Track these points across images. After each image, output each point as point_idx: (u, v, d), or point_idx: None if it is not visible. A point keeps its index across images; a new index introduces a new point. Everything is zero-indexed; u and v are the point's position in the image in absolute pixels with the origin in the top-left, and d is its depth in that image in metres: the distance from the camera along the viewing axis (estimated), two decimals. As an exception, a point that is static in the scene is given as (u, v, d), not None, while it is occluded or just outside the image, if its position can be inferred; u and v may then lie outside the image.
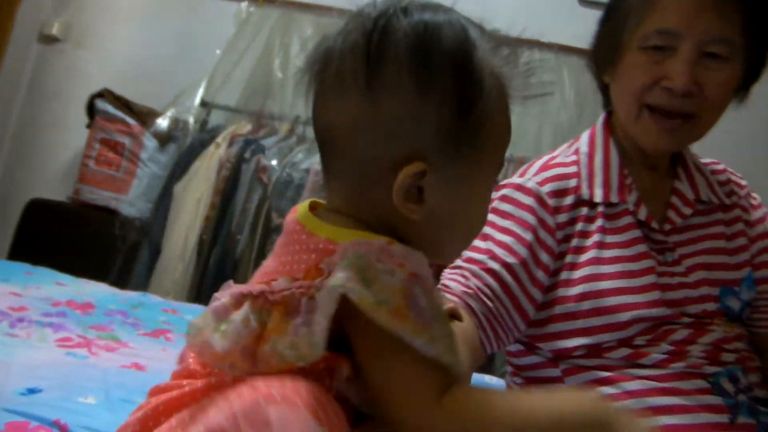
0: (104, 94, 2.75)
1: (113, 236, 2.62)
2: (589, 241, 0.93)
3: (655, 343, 0.87)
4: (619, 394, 0.84)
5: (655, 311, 0.87)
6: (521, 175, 0.99)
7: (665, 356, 0.86)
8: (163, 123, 2.75)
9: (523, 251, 0.90)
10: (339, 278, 0.49)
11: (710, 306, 0.91)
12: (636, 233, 0.93)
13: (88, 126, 2.79)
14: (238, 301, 0.52)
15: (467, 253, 0.90)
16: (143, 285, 2.49)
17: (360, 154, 0.55)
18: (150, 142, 2.74)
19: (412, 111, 0.54)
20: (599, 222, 0.94)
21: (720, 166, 1.07)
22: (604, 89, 1.01)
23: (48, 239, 2.64)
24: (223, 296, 0.53)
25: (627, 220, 0.94)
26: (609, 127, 1.02)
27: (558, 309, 0.91)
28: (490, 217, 0.92)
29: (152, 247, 2.57)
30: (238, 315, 0.51)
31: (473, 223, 0.61)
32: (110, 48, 3.03)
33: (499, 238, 0.91)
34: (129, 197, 2.71)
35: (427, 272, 0.53)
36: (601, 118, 1.04)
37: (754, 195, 1.07)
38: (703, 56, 0.88)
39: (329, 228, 0.56)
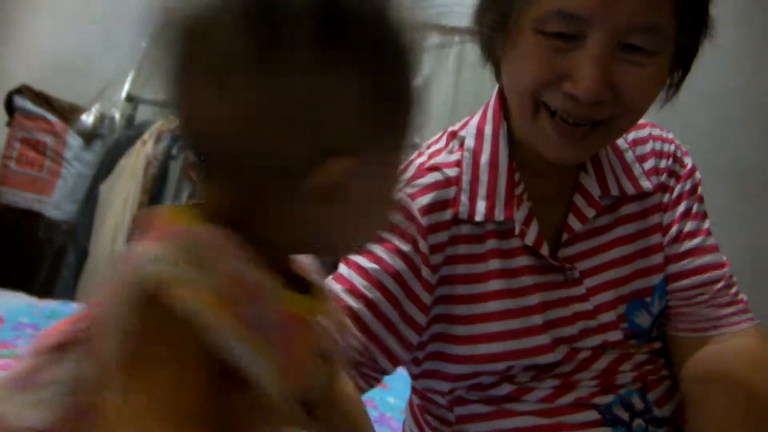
0: (23, 90, 2.62)
1: (38, 240, 2.52)
2: (483, 268, 0.78)
3: (540, 378, 0.77)
4: (507, 430, 0.77)
5: (539, 359, 0.76)
6: None
7: (551, 391, 0.77)
8: (87, 119, 2.63)
9: (390, 283, 0.73)
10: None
11: (612, 336, 0.79)
12: (524, 260, 0.77)
13: (8, 124, 2.66)
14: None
15: (326, 281, 0.76)
16: (71, 290, 2.40)
17: (252, 153, 0.43)
18: (74, 140, 2.63)
19: (326, 92, 0.42)
20: (491, 243, 0.78)
21: (647, 132, 0.87)
22: (497, 63, 0.79)
23: (-32, 245, 2.53)
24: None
25: (516, 243, 0.78)
26: (501, 111, 0.81)
27: (432, 347, 0.79)
28: None
29: (79, 250, 2.48)
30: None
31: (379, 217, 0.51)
32: (29, 41, 2.90)
33: (361, 264, 0.75)
34: (53, 199, 2.60)
35: (267, 298, 0.43)
36: (493, 95, 0.82)
37: (685, 160, 0.87)
38: (621, 49, 0.67)
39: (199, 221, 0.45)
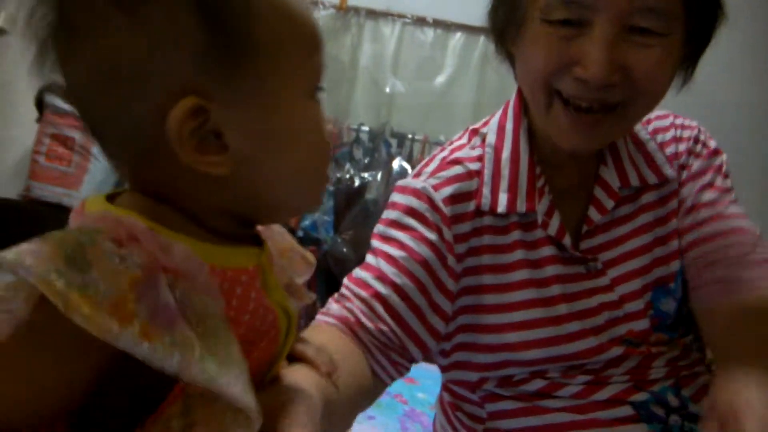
0: (53, 88, 2.67)
1: (66, 234, 2.55)
2: (511, 258, 0.79)
3: (571, 374, 0.77)
4: (540, 427, 0.77)
5: (567, 347, 0.76)
6: (416, 175, 0.82)
7: (582, 387, 0.77)
8: (115, 116, 2.68)
9: (417, 270, 0.74)
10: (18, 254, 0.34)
11: (639, 325, 0.79)
12: (548, 251, 0.79)
13: (38, 121, 2.71)
14: None
15: (355, 272, 0.78)
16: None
17: (114, 119, 0.41)
18: (102, 136, 2.67)
19: (142, 35, 0.39)
20: (516, 234, 0.79)
21: (669, 121, 0.87)
22: (511, 58, 0.81)
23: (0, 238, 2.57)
24: None
25: (539, 234, 0.79)
26: (521, 107, 0.83)
27: (460, 338, 0.81)
28: (381, 229, 0.80)
29: (106, 243, 2.51)
30: None
31: (301, 143, 0.46)
32: (58, 39, 2.94)
33: (389, 252, 0.76)
34: (81, 193, 2.64)
35: (196, 271, 0.40)
36: (514, 93, 0.85)
37: (709, 142, 0.86)
38: (628, 31, 0.67)
39: (109, 208, 0.42)
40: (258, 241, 0.49)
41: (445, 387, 0.92)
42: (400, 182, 0.83)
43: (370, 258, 0.78)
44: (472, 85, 2.86)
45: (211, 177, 0.42)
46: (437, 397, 0.99)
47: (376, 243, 0.80)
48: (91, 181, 2.66)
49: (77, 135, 2.66)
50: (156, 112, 0.40)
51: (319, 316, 0.76)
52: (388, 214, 0.81)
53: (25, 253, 0.34)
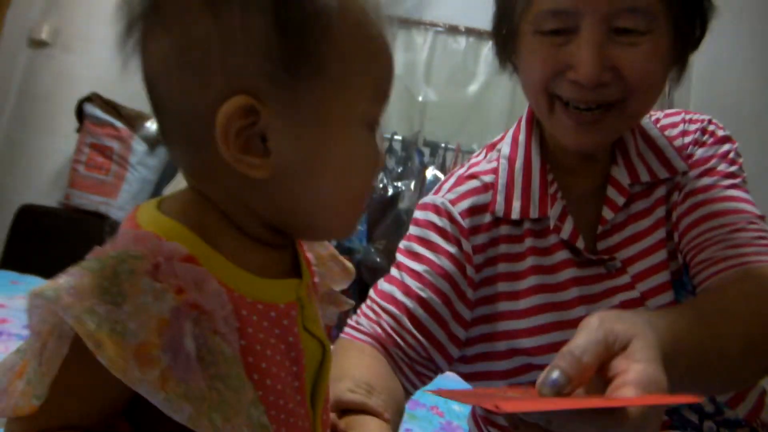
0: (92, 98, 2.74)
1: (104, 241, 2.59)
2: (523, 266, 0.81)
3: None
4: None
5: None
6: (437, 191, 0.86)
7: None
8: (152, 126, 2.72)
9: (440, 282, 0.78)
10: (57, 289, 0.35)
11: None
12: (562, 255, 0.80)
13: (78, 130, 2.78)
14: None
15: (380, 285, 0.81)
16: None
17: (176, 104, 0.43)
18: (139, 146, 2.72)
19: (217, 30, 0.41)
20: (529, 242, 0.81)
21: (680, 117, 0.88)
22: (516, 70, 0.85)
23: (39, 245, 2.63)
24: None
25: (553, 239, 0.81)
26: (532, 118, 0.86)
27: (480, 347, 0.82)
28: (406, 244, 0.83)
29: (143, 251, 2.55)
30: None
31: (345, 171, 0.45)
32: (99, 51, 3.00)
33: (412, 267, 0.80)
34: (119, 201, 2.69)
35: (220, 308, 0.40)
36: (526, 108, 0.88)
37: (717, 132, 0.86)
38: (614, 32, 0.71)
39: (157, 217, 0.43)
40: (298, 273, 0.49)
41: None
42: (422, 199, 0.87)
43: (394, 272, 0.82)
44: (505, 93, 2.85)
45: (250, 180, 0.42)
46: (470, 410, 0.98)
47: (400, 257, 0.83)
48: (128, 189, 2.72)
49: (116, 145, 2.71)
50: (213, 105, 0.41)
51: (349, 330, 0.80)
52: (412, 230, 0.85)
53: (63, 290, 0.35)
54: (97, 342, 0.34)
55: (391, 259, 0.86)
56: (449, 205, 0.82)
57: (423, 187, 2.72)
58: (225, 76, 0.41)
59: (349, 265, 0.60)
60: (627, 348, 0.52)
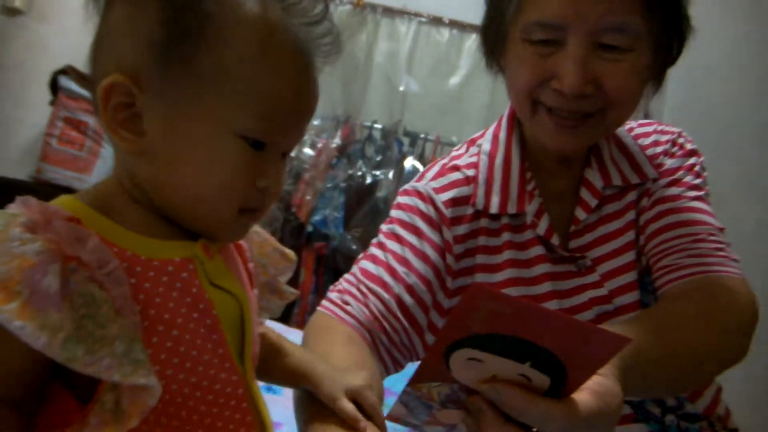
0: (67, 71, 2.68)
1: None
2: (499, 259, 0.84)
3: None
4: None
5: None
6: (419, 179, 0.89)
7: None
8: (129, 102, 2.68)
9: (424, 269, 0.81)
10: None
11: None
12: (537, 250, 0.83)
13: (51, 103, 2.72)
14: None
15: (364, 264, 0.82)
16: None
17: (93, 71, 0.51)
18: (115, 122, 2.68)
19: (124, 15, 0.49)
20: (506, 236, 0.84)
21: (652, 128, 0.92)
22: (503, 72, 0.88)
23: (8, 219, 2.58)
24: None
25: (528, 234, 0.84)
26: (514, 118, 0.89)
27: None
28: (389, 227, 0.85)
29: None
30: None
31: (204, 171, 0.49)
32: (74, 22, 2.92)
33: (396, 251, 0.82)
34: (92, 178, 2.65)
35: (100, 261, 0.44)
36: (507, 107, 0.91)
37: (686, 145, 0.90)
38: (599, 48, 0.74)
39: (65, 198, 0.50)
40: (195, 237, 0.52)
41: None
42: (405, 186, 0.89)
43: (377, 251, 0.83)
44: (486, 86, 2.85)
45: (132, 157, 0.49)
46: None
47: (383, 239, 0.84)
48: (102, 166, 2.67)
49: (91, 120, 2.66)
50: (100, 78, 0.48)
51: (334, 308, 0.79)
52: (394, 213, 0.87)
53: None
54: None
55: (366, 247, 0.86)
56: (433, 193, 0.85)
57: (402, 177, 2.73)
58: (114, 56, 0.49)
59: (290, 251, 0.63)
60: None
